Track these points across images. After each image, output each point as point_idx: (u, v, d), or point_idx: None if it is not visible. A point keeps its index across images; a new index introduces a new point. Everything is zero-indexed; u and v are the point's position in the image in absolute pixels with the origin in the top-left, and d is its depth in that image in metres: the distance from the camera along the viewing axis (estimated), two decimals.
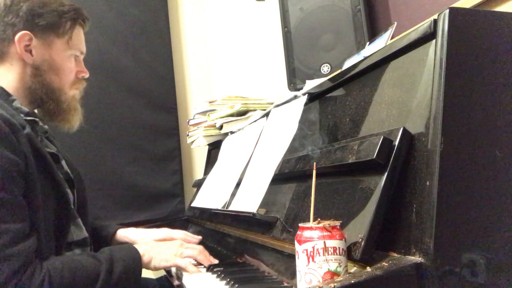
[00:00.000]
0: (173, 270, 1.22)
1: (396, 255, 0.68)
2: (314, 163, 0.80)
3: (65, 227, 1.05)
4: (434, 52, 0.71)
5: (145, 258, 1.06)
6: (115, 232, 1.37)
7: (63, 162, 1.17)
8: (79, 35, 1.15)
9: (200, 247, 1.16)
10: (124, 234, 1.37)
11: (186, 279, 1.07)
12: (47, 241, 0.98)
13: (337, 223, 0.69)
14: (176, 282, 1.15)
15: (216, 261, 1.14)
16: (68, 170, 1.18)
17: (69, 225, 1.07)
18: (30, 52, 1.05)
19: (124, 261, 1.00)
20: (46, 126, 1.15)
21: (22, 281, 0.85)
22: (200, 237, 1.37)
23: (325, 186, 0.87)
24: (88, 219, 1.24)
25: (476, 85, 0.71)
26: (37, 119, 1.06)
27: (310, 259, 0.67)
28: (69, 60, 1.12)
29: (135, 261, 1.02)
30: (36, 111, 1.15)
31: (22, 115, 1.01)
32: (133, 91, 2.31)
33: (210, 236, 1.59)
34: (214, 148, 2.07)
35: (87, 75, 1.17)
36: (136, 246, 1.08)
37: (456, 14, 0.70)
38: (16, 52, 1.04)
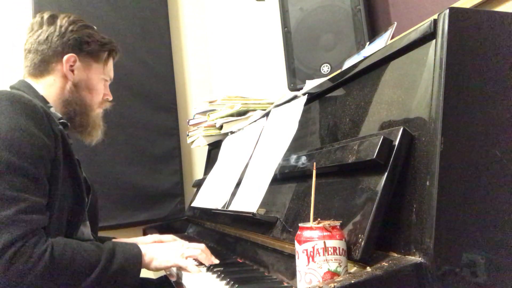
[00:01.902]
0: (174, 270, 1.22)
1: (396, 255, 0.68)
2: (314, 163, 0.80)
3: (77, 223, 1.12)
4: (434, 52, 0.71)
5: (146, 258, 1.08)
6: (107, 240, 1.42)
7: (82, 170, 1.25)
8: (111, 65, 1.36)
9: (202, 246, 1.17)
10: (116, 241, 1.42)
11: (186, 279, 1.07)
12: (58, 228, 1.04)
13: (337, 223, 0.69)
14: (175, 281, 1.15)
15: (217, 261, 1.15)
16: (86, 178, 1.27)
17: (79, 222, 1.14)
18: (73, 71, 1.23)
19: (125, 255, 1.03)
20: (70, 139, 1.23)
21: (26, 246, 0.90)
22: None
23: (325, 186, 0.87)
24: (97, 228, 1.33)
25: (476, 85, 0.71)
26: (68, 123, 1.20)
27: (310, 259, 0.67)
28: (101, 82, 1.31)
29: (135, 257, 1.05)
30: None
31: (55, 119, 1.11)
32: (133, 91, 2.30)
33: (210, 236, 1.59)
34: (214, 148, 2.07)
35: (110, 98, 1.38)
36: (139, 245, 1.11)
37: (456, 14, 0.70)
38: (61, 69, 1.22)
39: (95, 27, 1.31)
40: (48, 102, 1.19)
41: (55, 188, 1.02)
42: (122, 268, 1.01)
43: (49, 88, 1.21)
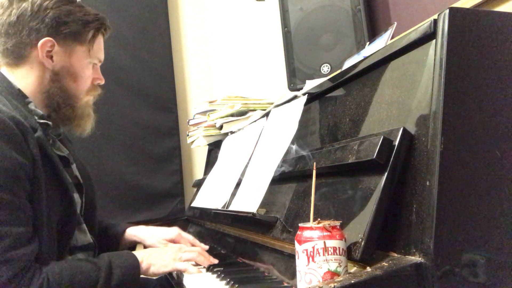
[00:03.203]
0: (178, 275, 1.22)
1: (396, 255, 0.68)
2: (314, 163, 0.80)
3: (69, 232, 1.06)
4: (434, 52, 0.71)
5: (143, 265, 1.05)
6: (124, 231, 1.36)
7: (73, 166, 1.18)
8: (99, 44, 1.16)
9: (199, 248, 1.16)
10: (133, 233, 1.36)
11: (186, 279, 1.07)
12: (50, 245, 0.98)
13: (337, 223, 0.69)
14: (176, 282, 1.15)
15: (215, 261, 1.14)
16: (78, 175, 1.18)
17: (73, 230, 1.07)
18: (51, 57, 1.07)
19: (123, 268, 1.00)
20: (61, 129, 1.16)
21: (20, 285, 0.85)
22: (207, 247, 1.32)
23: (325, 186, 0.87)
24: (95, 225, 1.24)
25: (476, 85, 0.71)
26: (49, 123, 1.06)
27: (310, 259, 0.67)
28: (88, 67, 1.13)
29: (133, 268, 1.02)
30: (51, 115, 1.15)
31: (35, 118, 1.02)
32: (133, 91, 2.31)
33: (210, 236, 1.59)
34: (214, 148, 2.07)
35: (102, 82, 1.19)
36: (134, 252, 1.08)
37: (456, 14, 0.70)
38: (37, 56, 1.05)
39: (78, 0, 1.12)
40: (27, 97, 1.05)
41: (40, 205, 0.94)
42: (122, 282, 0.98)
43: (26, 78, 1.06)
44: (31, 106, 1.04)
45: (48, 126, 1.05)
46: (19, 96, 1.04)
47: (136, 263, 1.03)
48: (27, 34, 1.04)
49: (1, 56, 1.07)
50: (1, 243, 0.85)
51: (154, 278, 1.53)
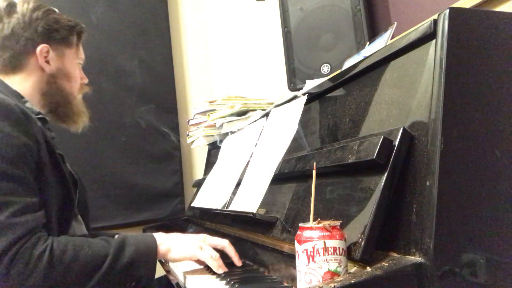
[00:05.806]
0: (176, 272, 1.21)
1: (396, 255, 0.68)
2: (314, 163, 0.80)
3: (67, 221, 1.10)
4: (434, 52, 0.71)
5: (162, 247, 1.04)
6: (113, 236, 1.39)
7: (67, 164, 1.21)
8: (80, 46, 1.29)
9: (226, 243, 1.09)
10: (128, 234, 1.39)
11: (186, 278, 1.07)
12: (49, 231, 1.00)
13: (337, 223, 0.69)
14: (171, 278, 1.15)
15: (239, 263, 1.08)
16: (72, 171, 1.23)
17: (71, 219, 1.12)
18: (48, 62, 1.17)
19: (137, 246, 0.99)
20: (52, 133, 1.20)
21: (24, 248, 0.88)
22: None
23: (325, 186, 0.87)
24: (89, 220, 1.28)
25: (476, 85, 0.71)
26: (46, 118, 1.15)
27: (310, 259, 0.67)
28: (76, 68, 1.25)
29: (149, 248, 1.01)
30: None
31: (33, 115, 1.07)
32: (133, 91, 2.31)
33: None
34: (214, 148, 2.07)
35: (86, 81, 1.31)
36: (155, 234, 1.06)
37: (456, 14, 0.70)
38: (35, 63, 1.16)
39: (56, 9, 1.22)
40: (23, 97, 1.12)
41: (43, 190, 0.99)
42: (134, 261, 0.97)
43: (24, 82, 1.14)
44: (28, 105, 1.11)
45: (45, 121, 1.13)
46: (17, 96, 1.11)
47: (153, 244, 1.02)
48: (24, 44, 1.14)
49: None
50: (8, 209, 0.89)
51: (154, 278, 1.53)
